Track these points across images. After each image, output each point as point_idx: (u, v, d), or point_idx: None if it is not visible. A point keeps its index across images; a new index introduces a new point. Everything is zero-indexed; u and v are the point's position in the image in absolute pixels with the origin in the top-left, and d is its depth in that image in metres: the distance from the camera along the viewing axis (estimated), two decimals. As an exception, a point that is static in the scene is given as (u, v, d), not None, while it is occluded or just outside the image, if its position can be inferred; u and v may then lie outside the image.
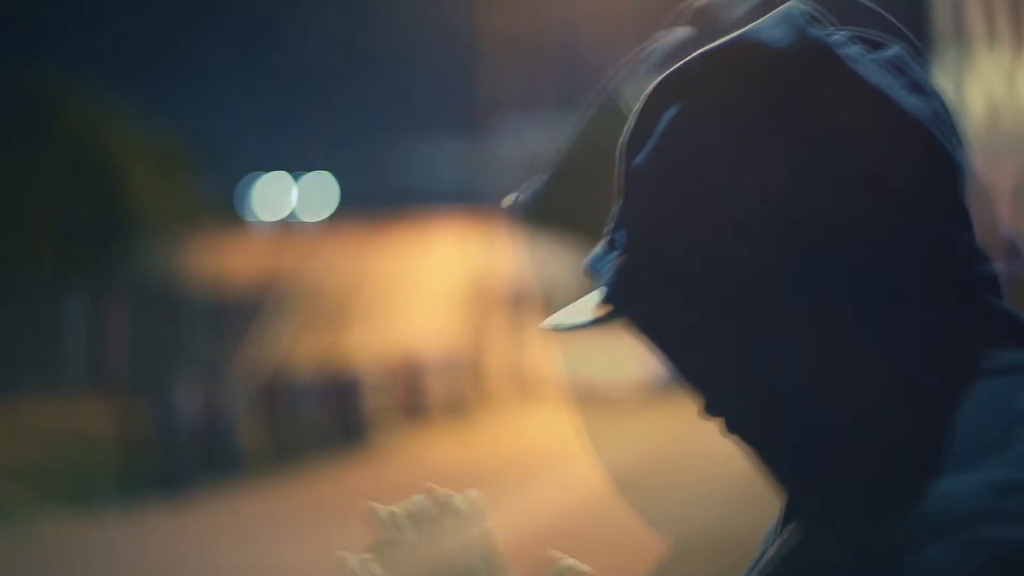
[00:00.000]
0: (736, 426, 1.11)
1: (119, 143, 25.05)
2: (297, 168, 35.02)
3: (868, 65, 1.07)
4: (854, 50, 1.07)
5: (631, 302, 1.10)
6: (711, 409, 1.12)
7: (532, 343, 28.82)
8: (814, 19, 1.09)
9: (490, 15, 25.57)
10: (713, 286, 1.05)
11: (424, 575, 1.34)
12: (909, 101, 1.06)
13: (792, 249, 1.03)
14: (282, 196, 34.53)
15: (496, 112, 25.99)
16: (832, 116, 1.04)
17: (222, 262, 24.59)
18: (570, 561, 1.42)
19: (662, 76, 1.11)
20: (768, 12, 1.10)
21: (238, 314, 21.90)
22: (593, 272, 1.14)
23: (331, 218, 31.61)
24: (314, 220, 32.00)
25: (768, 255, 1.04)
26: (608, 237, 1.14)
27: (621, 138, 1.12)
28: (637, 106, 1.12)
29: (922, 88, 1.08)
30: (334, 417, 17.67)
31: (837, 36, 1.08)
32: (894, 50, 1.09)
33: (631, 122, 1.12)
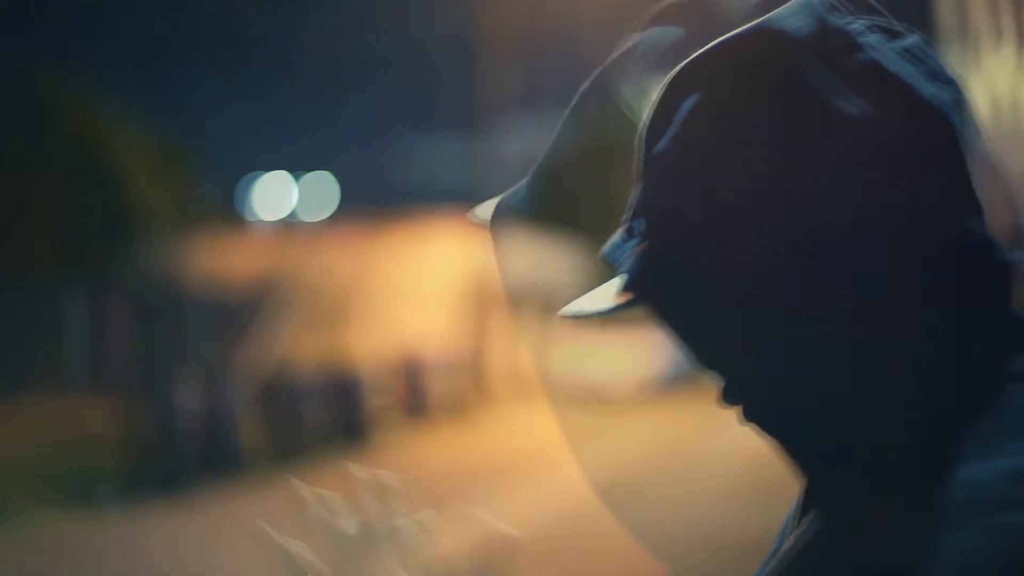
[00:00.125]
0: (752, 415, 1.11)
1: (119, 143, 25.04)
2: (297, 168, 35.04)
3: (888, 53, 1.07)
4: (874, 38, 1.07)
5: (650, 289, 1.10)
6: (727, 397, 1.12)
7: (531, 343, 28.78)
8: (833, 7, 1.09)
9: (490, 15, 25.56)
10: (732, 275, 1.05)
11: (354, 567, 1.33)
12: (929, 89, 1.06)
13: (812, 239, 1.03)
14: (282, 196, 34.54)
15: (496, 112, 25.98)
16: (854, 104, 1.04)
17: (222, 262, 24.59)
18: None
19: (682, 65, 1.11)
20: (770, 5, 1.10)
21: (238, 314, 21.91)
22: (610, 260, 1.14)
23: (331, 218, 31.63)
24: (314, 220, 32.02)
25: (788, 244, 1.04)
26: (626, 225, 1.14)
27: (640, 126, 1.12)
28: (656, 94, 1.12)
29: (941, 76, 1.08)
30: (334, 417, 17.66)
31: (857, 25, 1.08)
32: (913, 39, 1.09)
33: (649, 110, 1.12)
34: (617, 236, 1.14)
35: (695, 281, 1.07)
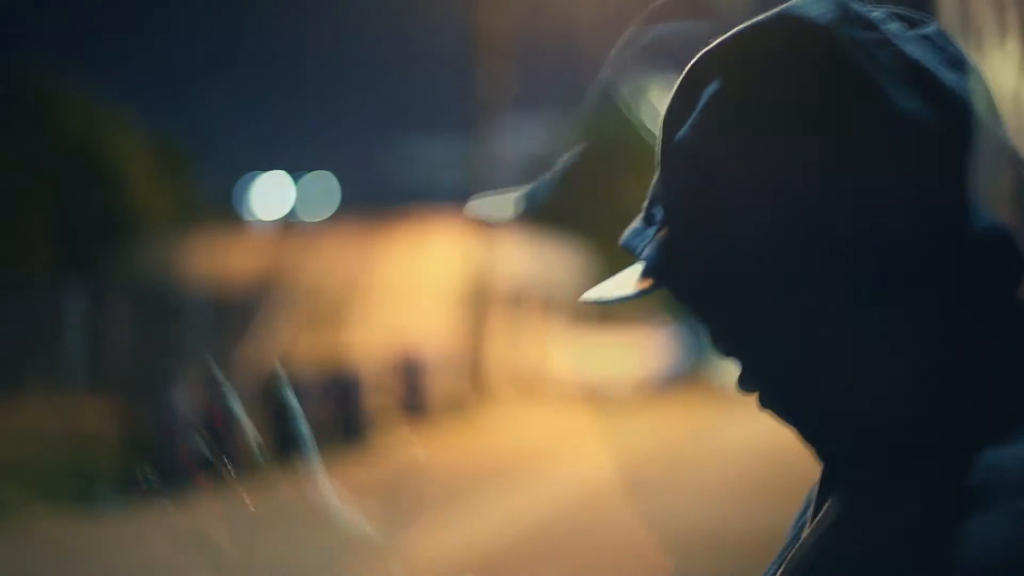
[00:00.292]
0: (768, 401, 1.11)
1: (118, 142, 25.05)
2: (297, 168, 35.04)
3: (909, 41, 1.07)
4: (894, 26, 1.07)
5: (671, 275, 1.10)
6: (744, 384, 1.12)
7: (531, 342, 28.83)
8: None
9: (489, 15, 25.56)
10: (750, 262, 1.05)
11: None
12: (950, 77, 1.06)
13: (833, 224, 1.03)
14: (280, 195, 34.54)
15: (495, 112, 25.98)
16: (877, 92, 1.04)
17: (221, 261, 24.59)
18: None
19: (703, 52, 1.11)
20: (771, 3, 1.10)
21: (237, 313, 21.90)
22: (630, 248, 1.14)
23: (331, 217, 31.63)
24: (313, 219, 32.02)
25: (808, 230, 1.03)
26: (645, 212, 1.14)
27: (661, 113, 1.12)
28: (677, 82, 1.12)
29: (961, 64, 1.08)
30: (334, 416, 17.66)
31: (877, 12, 1.08)
32: (931, 27, 1.09)
33: (670, 98, 1.12)
34: (636, 223, 1.15)
35: (713, 268, 1.07)
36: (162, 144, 26.76)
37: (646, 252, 1.12)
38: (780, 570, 1.09)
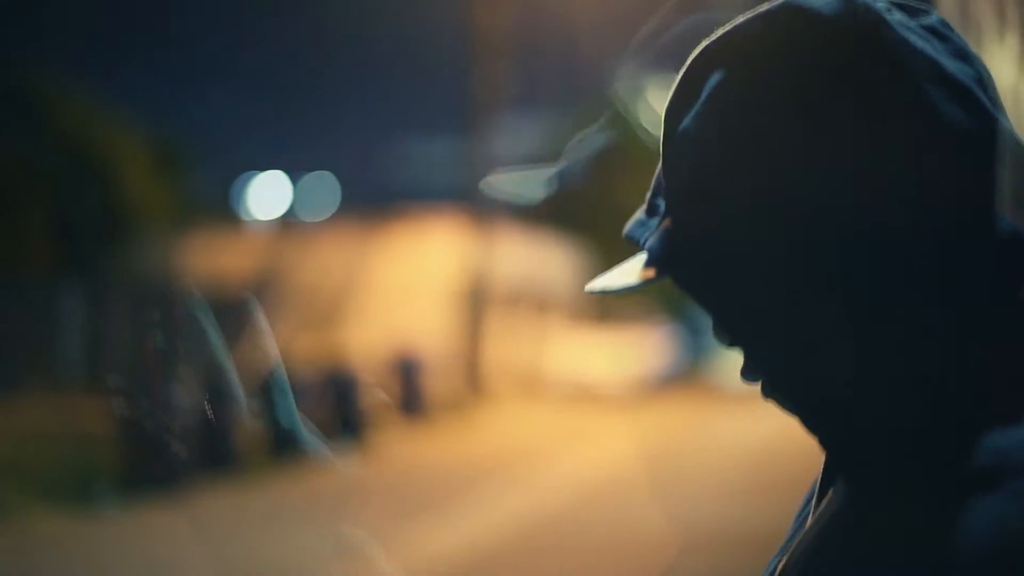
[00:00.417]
0: (771, 391, 1.11)
1: (116, 141, 25.04)
2: (295, 168, 35.03)
3: (913, 31, 1.06)
4: (898, 16, 1.07)
5: (674, 265, 1.11)
6: (747, 373, 1.12)
7: (529, 341, 28.82)
8: None
9: (487, 15, 25.56)
10: (752, 252, 1.05)
11: None
12: (954, 66, 1.06)
13: (836, 214, 1.03)
14: (278, 194, 34.53)
15: (494, 112, 25.99)
16: (882, 82, 1.04)
17: (219, 260, 24.59)
18: None
19: (706, 42, 1.11)
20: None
21: (235, 313, 21.87)
22: (633, 238, 1.14)
23: (330, 217, 31.63)
24: (311, 218, 32.02)
25: (809, 223, 1.03)
26: (648, 203, 1.14)
27: (664, 104, 1.12)
28: (680, 72, 1.12)
29: (964, 54, 1.08)
30: (332, 415, 17.65)
31: (881, 2, 1.08)
32: (934, 17, 1.09)
33: (673, 88, 1.12)
34: (639, 214, 1.15)
35: (716, 258, 1.07)
36: (160, 144, 26.75)
37: (649, 242, 1.12)
38: (784, 560, 1.09)
